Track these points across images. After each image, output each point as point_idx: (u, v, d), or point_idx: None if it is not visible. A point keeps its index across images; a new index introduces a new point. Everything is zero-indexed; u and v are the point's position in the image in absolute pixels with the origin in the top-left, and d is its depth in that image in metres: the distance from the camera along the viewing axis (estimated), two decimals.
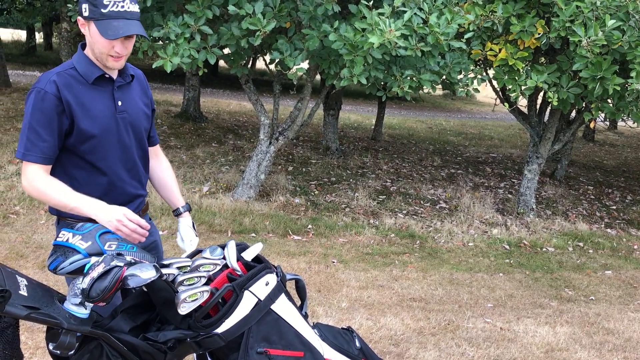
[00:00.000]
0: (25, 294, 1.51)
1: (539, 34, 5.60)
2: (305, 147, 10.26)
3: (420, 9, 5.03)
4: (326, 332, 2.16)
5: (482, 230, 6.72)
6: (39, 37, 24.35)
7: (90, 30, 2.04)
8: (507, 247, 6.30)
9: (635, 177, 11.35)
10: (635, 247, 6.81)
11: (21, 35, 27.03)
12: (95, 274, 1.56)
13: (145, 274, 1.59)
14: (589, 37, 4.93)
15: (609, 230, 7.39)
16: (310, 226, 6.16)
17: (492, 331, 4.31)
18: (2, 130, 8.58)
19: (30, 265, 4.51)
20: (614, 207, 8.64)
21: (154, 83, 17.41)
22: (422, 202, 7.68)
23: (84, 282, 1.57)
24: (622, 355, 4.17)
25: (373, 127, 12.76)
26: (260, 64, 21.22)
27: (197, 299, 1.76)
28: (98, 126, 2.08)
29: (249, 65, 6.71)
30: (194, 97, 11.39)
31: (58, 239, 1.73)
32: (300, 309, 2.07)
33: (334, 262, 5.30)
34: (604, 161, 12.98)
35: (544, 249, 6.37)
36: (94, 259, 1.65)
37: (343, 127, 13.02)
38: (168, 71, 5.06)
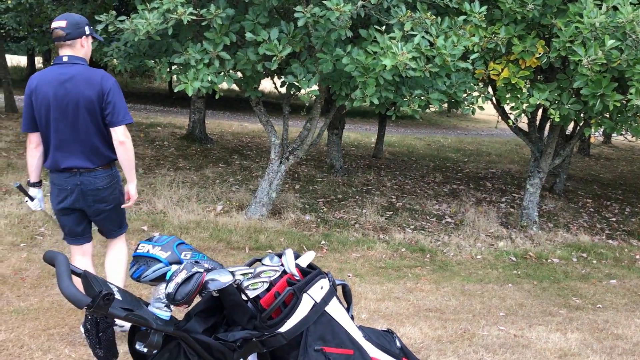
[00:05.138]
0: (120, 297, 1.70)
1: (539, 53, 5.87)
2: (310, 166, 10.48)
3: (428, 33, 5.30)
4: (370, 333, 2.35)
5: (488, 244, 6.93)
6: (38, 62, 24.65)
7: (88, 43, 3.38)
8: (514, 259, 6.50)
9: (632, 190, 11.61)
10: (638, 257, 7.03)
11: (20, 60, 27.34)
12: (179, 279, 1.76)
13: (223, 278, 1.79)
14: (589, 57, 5.20)
15: (610, 241, 7.61)
16: (323, 242, 6.35)
17: (506, 338, 4.49)
18: (16, 155, 8.76)
19: None
20: (614, 219, 8.87)
21: (155, 106, 17.68)
22: (428, 217, 7.89)
23: (169, 287, 1.77)
24: (632, 358, 4.36)
25: (373, 145, 13.01)
26: (262, 86, 21.49)
27: (257, 287, 1.96)
28: None
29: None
30: (199, 119, 11.62)
31: (138, 251, 1.92)
32: (347, 311, 2.27)
33: (349, 276, 5.48)
34: (601, 175, 13.25)
35: (549, 260, 6.58)
36: (174, 267, 1.84)
37: (345, 145, 13.26)
38: (190, 94, 5.28)
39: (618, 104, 5.48)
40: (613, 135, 16.00)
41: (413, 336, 4.34)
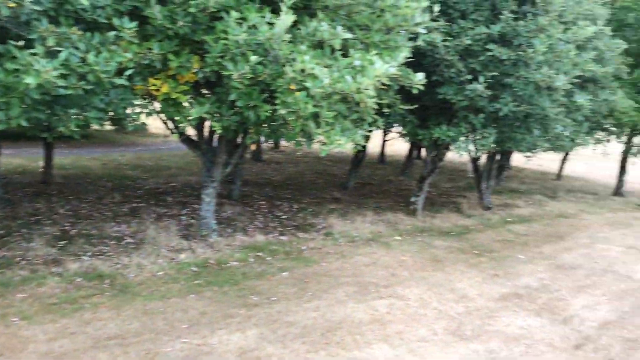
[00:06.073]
0: None
1: (195, 69, 6.08)
2: None
3: (77, 48, 5.01)
4: None
5: (169, 258, 6.93)
6: None
7: None
8: (195, 269, 6.64)
9: (298, 188, 13.01)
10: (304, 247, 7.89)
11: None
12: None
13: None
14: (239, 71, 5.59)
15: (282, 237, 8.37)
16: None
17: (190, 350, 4.55)
18: None
19: None
20: (284, 217, 9.79)
21: None
22: (107, 240, 7.51)
23: None
24: (301, 341, 4.85)
25: (42, 169, 11.86)
26: None
27: None
28: None
29: None
30: None
31: None
32: None
33: (15, 320, 4.86)
34: (272, 177, 14.52)
35: (229, 264, 6.91)
36: None
37: (6, 173, 11.79)
38: None
39: (268, 114, 6.03)
40: (273, 141, 17.61)
41: None
